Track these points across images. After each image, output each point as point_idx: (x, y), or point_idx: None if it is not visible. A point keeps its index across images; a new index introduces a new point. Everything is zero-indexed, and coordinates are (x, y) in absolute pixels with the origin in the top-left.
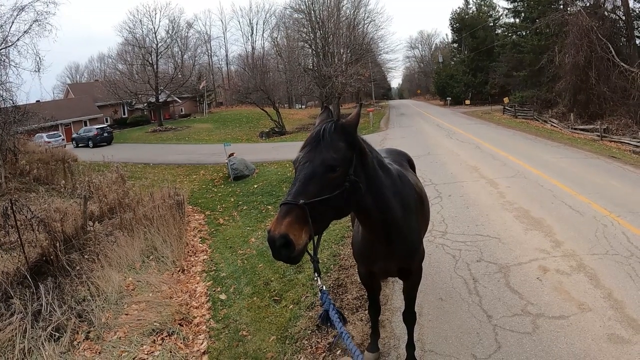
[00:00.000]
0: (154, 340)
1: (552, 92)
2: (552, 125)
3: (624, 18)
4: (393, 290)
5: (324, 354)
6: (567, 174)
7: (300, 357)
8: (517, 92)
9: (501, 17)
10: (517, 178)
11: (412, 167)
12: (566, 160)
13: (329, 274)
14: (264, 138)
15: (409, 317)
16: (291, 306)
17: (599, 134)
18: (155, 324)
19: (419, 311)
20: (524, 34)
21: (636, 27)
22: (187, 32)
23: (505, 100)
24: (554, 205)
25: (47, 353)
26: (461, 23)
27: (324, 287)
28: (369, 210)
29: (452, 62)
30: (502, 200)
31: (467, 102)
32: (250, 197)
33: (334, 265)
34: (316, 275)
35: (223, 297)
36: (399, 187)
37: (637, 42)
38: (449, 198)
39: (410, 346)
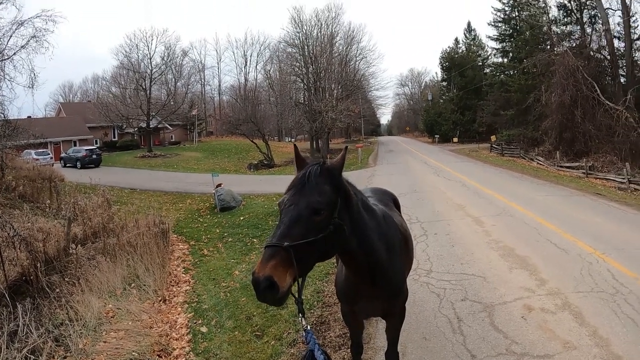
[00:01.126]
0: None
1: (539, 130)
2: (538, 163)
3: (609, 57)
4: (376, 329)
5: None
6: (552, 212)
7: None
8: (504, 131)
9: (490, 57)
10: (502, 216)
11: (397, 206)
12: (552, 198)
13: (312, 311)
14: (252, 170)
15: (392, 357)
16: (273, 342)
17: (584, 171)
18: (133, 353)
19: (402, 350)
20: (511, 73)
21: (621, 65)
22: (182, 60)
23: (493, 138)
24: (539, 243)
25: None
26: (451, 62)
27: (309, 327)
28: (353, 252)
29: (441, 100)
30: (487, 238)
31: (455, 139)
32: (235, 229)
33: (317, 302)
34: (300, 315)
35: (204, 329)
36: (384, 229)
37: (622, 80)
38: (434, 236)
39: None
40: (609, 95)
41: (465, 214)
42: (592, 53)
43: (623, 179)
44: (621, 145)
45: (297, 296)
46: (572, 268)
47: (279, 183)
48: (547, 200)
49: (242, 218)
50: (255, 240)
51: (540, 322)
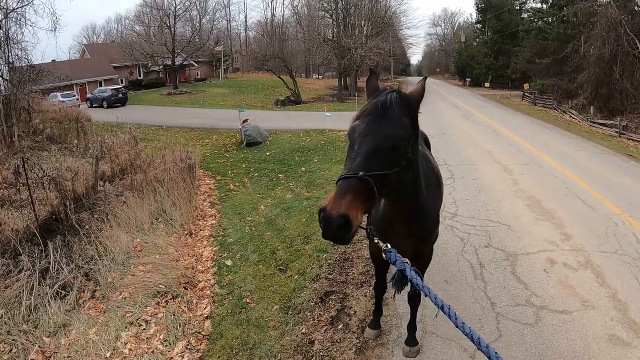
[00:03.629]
0: (159, 302)
1: (574, 82)
2: (571, 116)
3: None
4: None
5: (326, 327)
6: (582, 168)
7: (302, 329)
8: (538, 80)
9: (528, 2)
10: (531, 166)
11: (429, 146)
12: (582, 154)
13: (336, 247)
14: (279, 106)
15: (414, 298)
16: (297, 277)
17: (617, 130)
18: (160, 286)
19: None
20: (550, 20)
21: None
22: None
23: (526, 86)
24: (567, 197)
25: (52, 310)
26: (487, 4)
27: (389, 246)
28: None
29: (475, 43)
30: (515, 187)
31: (487, 84)
32: (262, 164)
33: None
34: (376, 240)
35: (229, 263)
36: (424, 167)
37: None
38: (461, 180)
39: (413, 327)
40: None
41: (494, 161)
42: (637, 8)
43: None
44: None
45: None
46: (597, 227)
47: (306, 119)
48: (577, 156)
49: (268, 154)
50: (281, 175)
51: (562, 278)
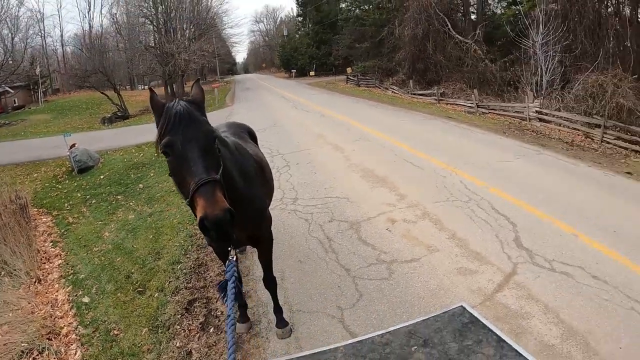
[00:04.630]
0: None
1: (393, 61)
2: (393, 91)
3: None
4: (253, 261)
5: (198, 334)
6: (407, 134)
7: (176, 343)
8: (359, 63)
9: None
10: (360, 141)
11: (254, 138)
12: (407, 122)
13: (188, 255)
14: (106, 124)
15: (270, 282)
16: (156, 294)
17: (436, 97)
18: (23, 344)
19: (281, 276)
20: (366, 8)
21: (471, 3)
22: (18, 11)
23: (349, 70)
24: (397, 163)
25: None
26: None
27: (234, 258)
28: None
29: (297, 35)
30: (347, 163)
31: (312, 73)
32: (98, 189)
33: (192, 246)
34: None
35: (86, 300)
36: (237, 158)
37: (472, 17)
38: (297, 166)
39: (278, 309)
40: (460, 30)
41: (325, 142)
42: None
43: (472, 103)
44: (470, 75)
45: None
46: (428, 182)
47: (136, 134)
48: (402, 125)
49: (102, 177)
50: (119, 197)
51: (404, 232)
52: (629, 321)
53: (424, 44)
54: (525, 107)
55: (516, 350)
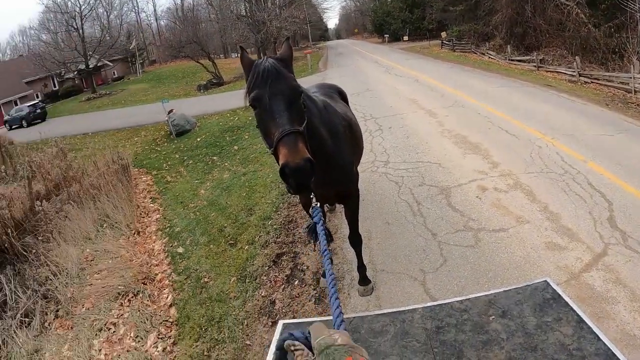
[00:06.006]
0: (122, 303)
1: (489, 25)
2: (489, 57)
3: None
4: (342, 220)
5: (283, 286)
6: (503, 102)
7: (262, 292)
8: (454, 27)
9: None
10: (455, 107)
11: (344, 98)
12: (503, 89)
13: (278, 212)
14: (202, 91)
15: (355, 240)
16: (247, 247)
17: (535, 64)
18: (119, 287)
19: (367, 236)
20: None
21: None
22: None
23: (443, 34)
24: (491, 130)
25: (21, 340)
26: None
27: (318, 204)
28: None
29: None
30: (440, 128)
31: (405, 38)
32: (194, 151)
33: (283, 204)
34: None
35: (181, 250)
36: (325, 116)
37: None
38: (389, 130)
39: (361, 267)
40: None
41: (419, 107)
42: None
43: (573, 72)
44: (572, 40)
45: None
46: (522, 152)
47: (230, 99)
48: (498, 92)
49: (199, 139)
50: (215, 158)
51: (494, 201)
52: None
53: (522, 6)
54: (631, 77)
55: (595, 334)
